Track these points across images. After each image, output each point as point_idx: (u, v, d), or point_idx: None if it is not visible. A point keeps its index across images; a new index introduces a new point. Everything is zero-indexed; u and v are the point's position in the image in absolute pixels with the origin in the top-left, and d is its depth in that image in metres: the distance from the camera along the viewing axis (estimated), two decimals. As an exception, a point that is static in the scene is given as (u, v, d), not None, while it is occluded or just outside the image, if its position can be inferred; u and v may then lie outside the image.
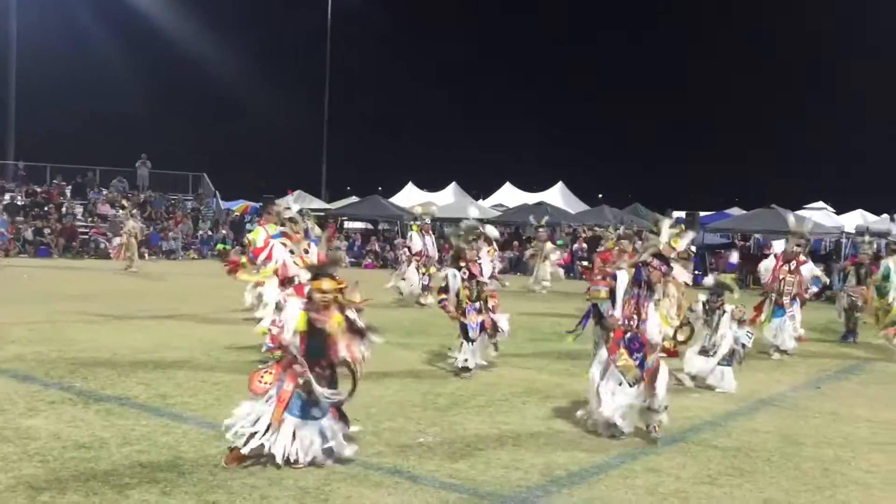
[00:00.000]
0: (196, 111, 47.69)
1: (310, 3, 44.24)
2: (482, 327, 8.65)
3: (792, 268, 10.90)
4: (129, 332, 10.80)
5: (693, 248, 10.11)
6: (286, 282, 8.26)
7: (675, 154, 51.27)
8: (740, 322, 8.52)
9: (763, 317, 10.88)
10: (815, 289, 11.04)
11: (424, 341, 10.73)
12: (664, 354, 7.43)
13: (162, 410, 6.64)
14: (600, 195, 39.78)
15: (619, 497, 5.04)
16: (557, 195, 37.95)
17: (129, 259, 22.02)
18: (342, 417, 5.43)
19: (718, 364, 8.36)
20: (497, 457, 5.72)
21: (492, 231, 10.51)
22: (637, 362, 6.12)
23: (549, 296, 19.03)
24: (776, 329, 10.76)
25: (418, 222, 16.69)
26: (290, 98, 46.91)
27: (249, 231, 10.94)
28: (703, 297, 8.70)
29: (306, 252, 8.52)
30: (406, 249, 16.52)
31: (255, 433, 5.19)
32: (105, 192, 33.33)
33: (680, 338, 7.90)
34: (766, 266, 11.24)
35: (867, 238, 13.94)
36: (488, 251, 9.40)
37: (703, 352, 8.49)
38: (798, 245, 11.10)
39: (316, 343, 5.25)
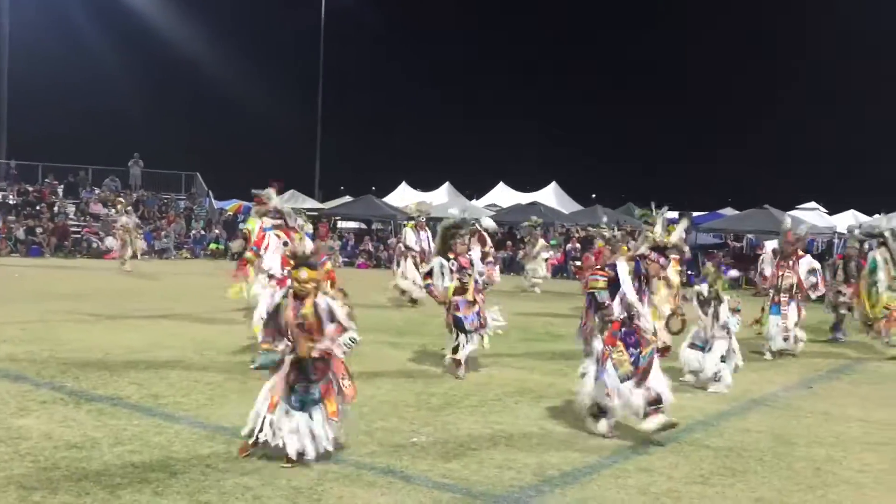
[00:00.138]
0: (189, 110, 47.61)
1: (304, 3, 44.22)
2: (479, 316, 8.61)
3: (790, 264, 10.85)
4: (122, 332, 10.77)
5: (686, 248, 10.11)
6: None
7: (669, 154, 51.38)
8: (734, 311, 8.54)
9: (763, 318, 10.85)
10: (814, 279, 10.93)
11: (417, 341, 10.73)
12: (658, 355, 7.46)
13: (154, 410, 6.62)
14: (594, 195, 39.89)
15: (611, 497, 5.04)
16: (551, 195, 38.02)
17: (123, 257, 21.85)
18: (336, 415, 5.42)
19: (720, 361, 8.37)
20: (490, 456, 5.72)
21: (488, 223, 10.45)
22: (632, 358, 6.12)
23: (542, 295, 19.05)
24: (773, 328, 10.70)
25: (413, 220, 16.69)
26: (284, 97, 46.90)
27: (242, 230, 10.91)
28: (698, 288, 8.69)
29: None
30: (401, 245, 16.51)
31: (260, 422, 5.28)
32: (97, 191, 33.25)
33: (672, 329, 7.88)
34: (766, 261, 11.14)
35: (855, 232, 13.91)
36: (485, 252, 9.33)
37: (696, 346, 8.48)
38: (793, 245, 11.03)
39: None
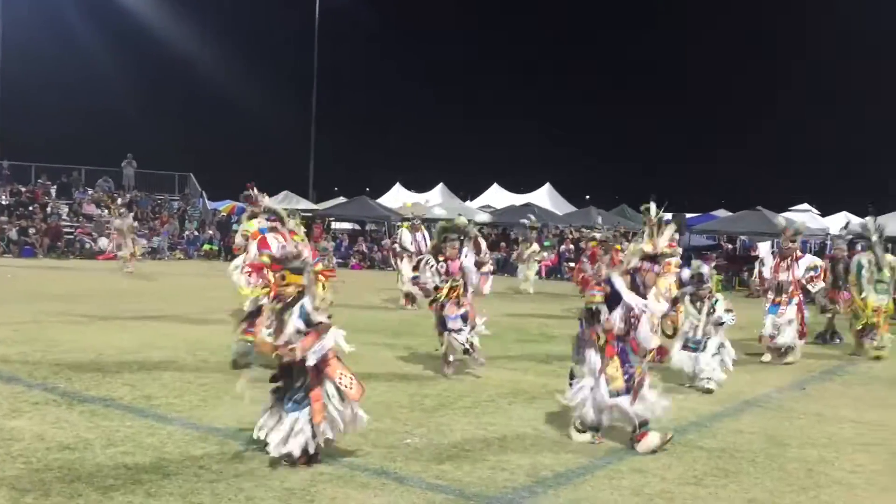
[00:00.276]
0: (183, 110, 47.61)
1: (298, 2, 44.21)
2: (464, 318, 8.59)
3: (788, 264, 10.69)
4: (115, 333, 10.74)
5: (679, 250, 10.05)
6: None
7: (665, 155, 51.56)
8: (727, 311, 8.55)
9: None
10: (813, 273, 10.80)
11: (412, 342, 10.72)
12: (657, 358, 7.48)
13: (147, 411, 6.60)
14: (587, 196, 39.98)
15: (604, 498, 5.05)
16: (545, 196, 38.10)
17: (123, 259, 21.48)
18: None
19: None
20: (483, 458, 5.72)
21: (481, 217, 10.41)
22: (626, 377, 6.09)
23: (536, 297, 19.06)
24: (769, 327, 10.57)
25: (408, 221, 16.68)
26: (278, 98, 46.90)
27: (236, 231, 10.91)
28: (688, 289, 8.69)
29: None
30: (396, 246, 16.49)
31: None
32: (90, 191, 33.16)
33: (666, 332, 7.88)
34: (766, 262, 10.95)
35: (843, 234, 13.86)
36: (480, 261, 9.23)
37: (688, 347, 8.50)
38: (792, 241, 10.88)
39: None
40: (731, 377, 8.60)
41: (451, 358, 8.64)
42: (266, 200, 9.22)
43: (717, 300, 8.52)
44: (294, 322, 5.26)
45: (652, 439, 6.03)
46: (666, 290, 8.62)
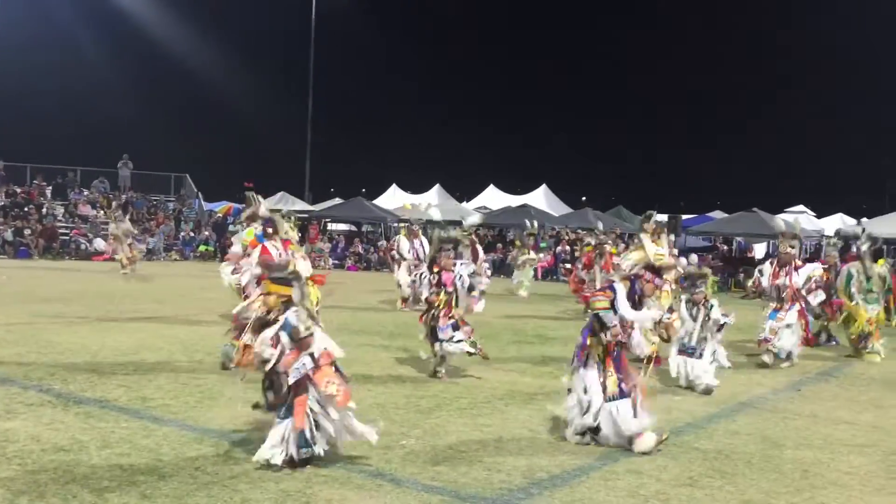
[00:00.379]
0: (179, 112, 47.54)
1: (294, 4, 44.19)
2: (455, 327, 8.55)
3: (787, 272, 10.46)
4: (110, 334, 10.71)
5: (675, 251, 10.05)
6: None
7: (660, 156, 51.65)
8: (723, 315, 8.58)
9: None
10: (812, 285, 10.72)
11: (408, 344, 10.70)
12: (653, 364, 7.49)
13: (142, 413, 6.59)
14: (584, 198, 40.02)
15: (600, 499, 5.05)
16: (541, 198, 38.12)
17: (128, 260, 21.26)
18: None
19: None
20: (479, 459, 5.72)
21: (473, 218, 10.38)
22: (621, 382, 6.11)
23: (532, 298, 19.06)
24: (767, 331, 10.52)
25: (406, 223, 16.65)
26: (274, 99, 46.87)
27: (233, 233, 10.90)
28: (684, 296, 8.73)
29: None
30: (394, 253, 16.43)
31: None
32: (86, 192, 33.10)
33: (662, 337, 7.88)
34: (764, 271, 10.83)
35: (833, 240, 13.78)
36: (476, 272, 9.18)
37: (684, 351, 8.51)
38: (791, 247, 10.76)
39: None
40: (726, 379, 8.62)
41: (441, 371, 8.61)
42: (262, 208, 9.18)
43: (712, 306, 8.55)
44: (280, 336, 5.26)
45: (648, 439, 6.04)
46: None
